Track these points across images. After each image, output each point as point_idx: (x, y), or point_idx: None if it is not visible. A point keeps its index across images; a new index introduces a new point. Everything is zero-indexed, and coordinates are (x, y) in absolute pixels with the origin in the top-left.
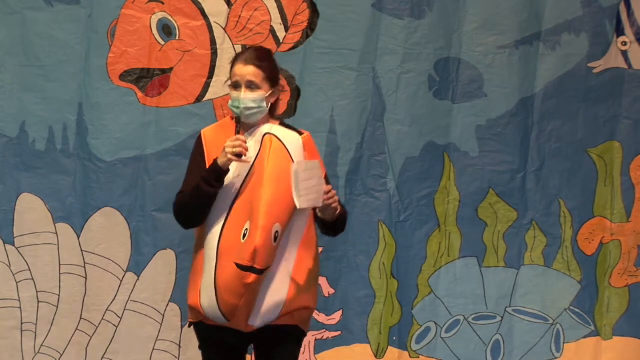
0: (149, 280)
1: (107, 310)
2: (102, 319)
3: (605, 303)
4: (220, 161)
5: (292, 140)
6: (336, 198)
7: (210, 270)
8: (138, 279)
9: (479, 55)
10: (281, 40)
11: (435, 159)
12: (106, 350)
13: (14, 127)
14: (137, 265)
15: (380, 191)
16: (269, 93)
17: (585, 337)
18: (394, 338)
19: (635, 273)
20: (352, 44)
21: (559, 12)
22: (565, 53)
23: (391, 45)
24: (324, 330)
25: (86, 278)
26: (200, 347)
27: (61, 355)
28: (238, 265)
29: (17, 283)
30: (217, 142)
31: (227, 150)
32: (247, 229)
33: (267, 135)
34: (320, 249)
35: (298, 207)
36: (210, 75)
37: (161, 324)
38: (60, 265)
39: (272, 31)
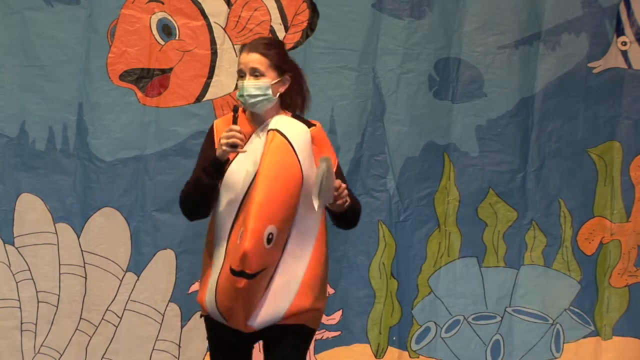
0: (149, 280)
1: (107, 310)
2: (102, 319)
3: (605, 303)
4: (217, 153)
5: (297, 134)
6: (346, 193)
7: (217, 269)
8: (138, 279)
9: (479, 55)
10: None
11: (435, 159)
12: (106, 350)
13: (14, 127)
14: (137, 265)
15: (380, 191)
16: (275, 81)
17: (585, 337)
18: (394, 338)
19: (635, 273)
20: (352, 44)
21: (559, 12)
22: (565, 53)
23: (391, 45)
24: (324, 330)
25: (86, 278)
26: (207, 339)
27: (61, 355)
28: (231, 270)
29: (17, 283)
30: None
31: (222, 141)
32: (242, 230)
33: (270, 132)
34: None
35: (316, 208)
36: (210, 75)
37: (161, 324)
38: (60, 265)
39: (272, 31)
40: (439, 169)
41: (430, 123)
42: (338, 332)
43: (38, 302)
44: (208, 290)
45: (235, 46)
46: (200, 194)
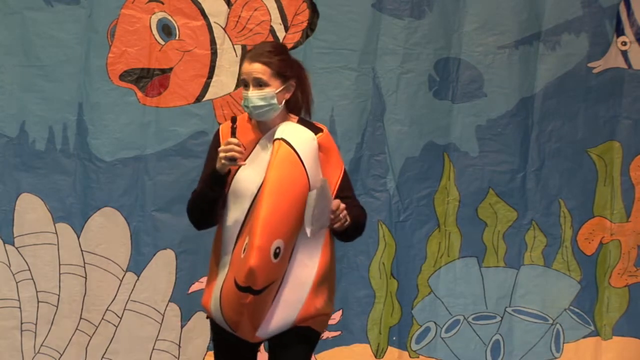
0: (149, 280)
1: (107, 310)
2: (102, 319)
3: (605, 303)
4: (217, 166)
5: (304, 142)
6: (344, 214)
7: (221, 278)
8: (138, 279)
9: (479, 55)
10: (281, 40)
11: (435, 159)
12: (106, 350)
13: (14, 127)
14: (137, 265)
15: (380, 191)
16: (279, 89)
17: (585, 337)
18: (394, 338)
19: (635, 273)
20: (352, 44)
21: (559, 12)
22: (565, 53)
23: (391, 45)
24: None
25: (86, 278)
26: (212, 340)
27: (61, 355)
28: (236, 285)
29: (17, 283)
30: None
31: (220, 155)
32: (246, 244)
33: (276, 141)
34: None
35: (308, 234)
36: (210, 75)
37: (161, 324)
38: (60, 265)
39: (272, 31)
40: (439, 169)
41: (430, 123)
42: (338, 332)
43: (38, 302)
44: (213, 298)
45: (235, 46)
46: (204, 205)
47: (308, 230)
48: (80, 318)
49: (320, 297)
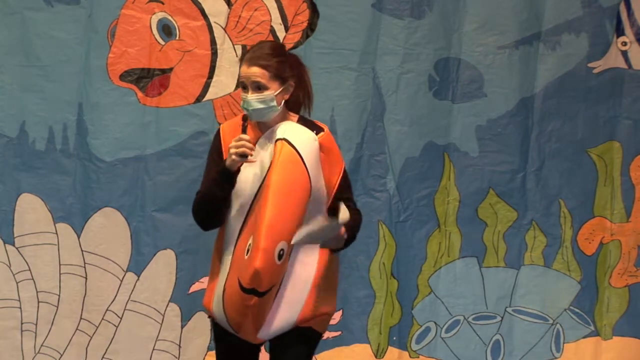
0: (149, 280)
1: (107, 310)
2: (102, 319)
3: (605, 303)
4: (227, 163)
5: (306, 143)
6: (343, 237)
7: (223, 278)
8: (138, 279)
9: (479, 55)
10: (281, 41)
11: (435, 159)
12: (106, 350)
13: (14, 127)
14: (137, 265)
15: (380, 191)
16: (277, 92)
17: (585, 337)
18: (394, 338)
19: (635, 273)
20: (352, 44)
21: (559, 12)
22: (565, 53)
23: (391, 45)
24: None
25: (86, 278)
26: (214, 340)
27: (61, 355)
28: (241, 286)
29: (17, 283)
30: (234, 137)
31: (231, 151)
32: (250, 245)
33: (278, 142)
34: None
35: (291, 242)
36: (211, 76)
37: (161, 324)
38: (60, 265)
39: (272, 31)
40: (439, 169)
41: (430, 123)
42: (338, 332)
43: (38, 302)
44: (215, 299)
45: (235, 46)
46: (212, 205)
47: (294, 240)
48: (81, 318)
49: (321, 296)
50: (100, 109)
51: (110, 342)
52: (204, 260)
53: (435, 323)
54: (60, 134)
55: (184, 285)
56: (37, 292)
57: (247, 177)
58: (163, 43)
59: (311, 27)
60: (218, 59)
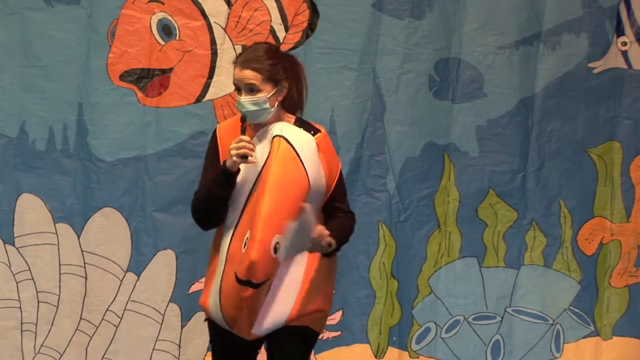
0: (149, 280)
1: (107, 310)
2: (102, 319)
3: (605, 303)
4: (227, 163)
5: (303, 142)
6: (327, 240)
7: (219, 274)
8: (138, 279)
9: (479, 55)
10: (281, 41)
11: (435, 159)
12: (106, 350)
13: (14, 127)
14: (137, 265)
15: (380, 191)
16: (271, 94)
17: (585, 337)
18: (394, 338)
19: (635, 273)
20: (352, 44)
21: (559, 12)
22: (565, 53)
23: (391, 46)
24: (324, 330)
25: (86, 278)
26: (210, 342)
27: (61, 355)
28: (236, 278)
29: (17, 283)
30: (232, 137)
31: (232, 152)
32: (247, 238)
33: (276, 138)
34: None
35: (280, 261)
36: (210, 76)
37: (161, 324)
38: (60, 265)
39: (272, 31)
40: (439, 169)
41: (430, 123)
42: (338, 332)
43: (38, 302)
44: (211, 295)
45: (235, 46)
46: (213, 205)
47: (280, 258)
48: (81, 318)
49: (315, 293)
50: (100, 109)
51: (110, 342)
52: (204, 260)
53: (435, 323)
54: (60, 134)
55: (184, 285)
56: (37, 292)
57: (241, 176)
58: (163, 43)
59: (311, 27)
60: (218, 59)
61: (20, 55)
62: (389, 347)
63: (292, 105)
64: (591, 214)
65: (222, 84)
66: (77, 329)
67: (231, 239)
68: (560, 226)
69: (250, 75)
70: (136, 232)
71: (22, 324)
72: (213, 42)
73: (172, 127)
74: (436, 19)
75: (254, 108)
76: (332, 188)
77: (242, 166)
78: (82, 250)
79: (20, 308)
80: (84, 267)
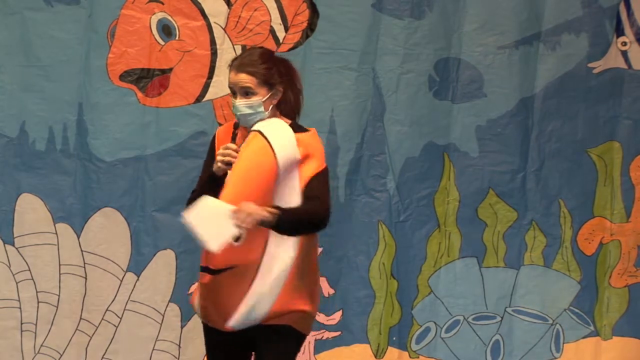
0: (149, 280)
1: (107, 310)
2: (102, 319)
3: (605, 303)
4: (214, 168)
5: (280, 136)
6: (249, 220)
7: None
8: (138, 279)
9: (478, 55)
10: (281, 41)
11: (435, 159)
12: (106, 350)
13: (14, 127)
14: (137, 265)
15: (380, 191)
16: (265, 97)
17: (584, 337)
18: (394, 338)
19: (635, 273)
20: (352, 44)
21: (559, 12)
22: (565, 53)
23: (391, 46)
24: (324, 330)
25: (86, 278)
26: (205, 343)
27: (61, 355)
28: (200, 266)
29: (17, 283)
30: (228, 141)
31: (218, 159)
32: None
33: (252, 132)
34: (320, 250)
35: (214, 250)
36: (210, 76)
37: (161, 324)
38: (60, 265)
39: (272, 31)
40: (439, 169)
41: (430, 123)
42: (338, 332)
43: (38, 302)
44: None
45: (235, 46)
46: None
47: (213, 248)
48: (80, 318)
49: (297, 293)
50: (100, 109)
51: (110, 342)
52: None
53: (435, 323)
54: (60, 134)
55: (184, 285)
56: (37, 292)
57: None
58: (163, 43)
59: (311, 27)
60: (218, 59)
61: (20, 55)
62: (389, 347)
63: (289, 109)
64: (591, 214)
65: (222, 84)
66: (77, 329)
67: None
68: (560, 226)
69: (245, 78)
70: (136, 232)
71: (22, 324)
72: (213, 42)
73: (172, 127)
74: (436, 19)
75: (248, 111)
76: (306, 182)
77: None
78: (82, 250)
79: (20, 308)
80: (84, 267)
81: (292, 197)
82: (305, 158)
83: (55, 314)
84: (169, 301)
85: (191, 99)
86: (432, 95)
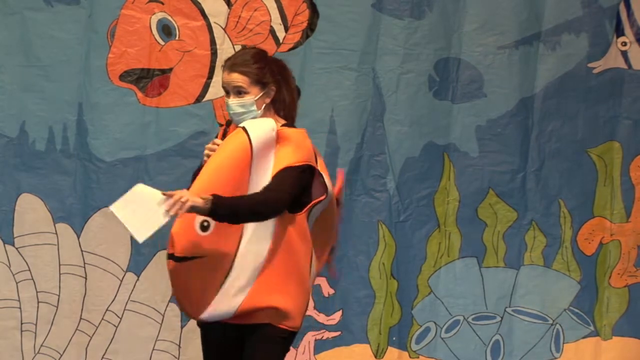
0: (149, 280)
1: (107, 310)
2: (102, 319)
3: (604, 303)
4: (202, 163)
5: (261, 129)
6: (184, 203)
7: None
8: (138, 279)
9: (478, 55)
10: (281, 41)
11: (435, 159)
12: (106, 350)
13: (14, 127)
14: (137, 265)
15: (380, 191)
16: (258, 96)
17: (584, 337)
18: (394, 338)
19: (634, 273)
20: (352, 44)
21: (559, 12)
22: (565, 53)
23: (391, 46)
24: (324, 330)
25: (86, 278)
26: (201, 341)
27: (61, 355)
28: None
29: (17, 283)
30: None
31: (205, 152)
32: None
33: (237, 128)
34: None
35: (140, 241)
36: (210, 76)
37: (161, 324)
38: (60, 265)
39: (272, 31)
40: (439, 169)
41: (430, 123)
42: (338, 332)
43: (38, 302)
44: None
45: (235, 46)
46: None
47: (139, 238)
48: (80, 318)
49: (270, 287)
50: (100, 109)
51: (110, 342)
52: None
53: (435, 323)
54: (60, 134)
55: None
56: (37, 292)
57: None
58: (163, 43)
59: (311, 27)
60: (218, 59)
61: (20, 55)
62: (389, 347)
63: (285, 109)
64: (591, 214)
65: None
66: (77, 329)
67: None
68: (560, 226)
69: (237, 78)
70: None
71: (22, 324)
72: (213, 42)
73: (172, 127)
74: (436, 19)
75: (241, 110)
76: (276, 172)
77: None
78: (82, 250)
79: (20, 308)
80: (84, 267)
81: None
82: (282, 145)
83: (55, 314)
84: (169, 301)
85: (191, 99)
86: (432, 95)
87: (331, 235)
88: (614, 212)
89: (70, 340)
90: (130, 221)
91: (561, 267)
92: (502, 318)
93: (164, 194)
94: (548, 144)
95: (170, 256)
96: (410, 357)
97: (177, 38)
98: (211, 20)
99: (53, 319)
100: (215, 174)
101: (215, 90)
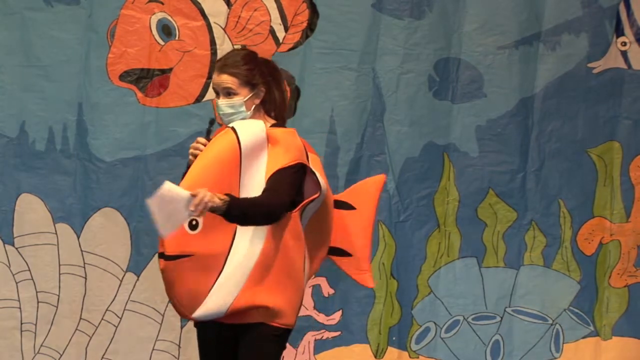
0: (149, 280)
1: (107, 310)
2: (102, 319)
3: (604, 303)
4: (188, 162)
5: (250, 130)
6: (205, 205)
7: None
8: (138, 279)
9: (478, 55)
10: (281, 41)
11: (435, 159)
12: (106, 350)
13: (14, 127)
14: (137, 265)
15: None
16: (247, 97)
17: (584, 337)
18: (394, 338)
19: (634, 273)
20: (352, 44)
21: (559, 12)
22: (565, 53)
23: (391, 46)
24: (324, 330)
25: (86, 278)
26: (197, 340)
27: (61, 355)
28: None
29: (17, 283)
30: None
31: (190, 151)
32: None
33: (226, 128)
34: None
35: (165, 237)
36: (210, 76)
37: (161, 324)
38: (60, 265)
39: (272, 31)
40: (439, 169)
41: (430, 123)
42: (338, 332)
43: (38, 302)
44: None
45: (235, 46)
46: None
47: (163, 233)
48: (80, 318)
49: (264, 287)
50: (100, 109)
51: (110, 342)
52: None
53: (434, 323)
54: (60, 134)
55: None
56: (36, 292)
57: None
58: (163, 43)
59: (311, 27)
60: (217, 59)
61: (20, 55)
62: (389, 347)
63: (276, 109)
64: (591, 214)
65: None
66: (76, 329)
67: None
68: (560, 226)
69: (227, 79)
70: (136, 232)
71: (21, 324)
72: (213, 42)
73: (172, 127)
74: (436, 19)
75: (230, 111)
76: (271, 174)
77: None
78: (81, 250)
79: (20, 308)
80: (84, 267)
81: (256, 189)
82: (274, 147)
83: (55, 314)
84: (169, 301)
85: (191, 99)
86: (432, 95)
87: (328, 235)
88: (613, 212)
89: (70, 340)
90: (158, 216)
91: (561, 267)
92: (502, 318)
93: (191, 194)
94: (548, 144)
95: (161, 255)
96: (410, 357)
97: (177, 38)
98: (211, 20)
99: (53, 319)
100: (203, 173)
101: None
